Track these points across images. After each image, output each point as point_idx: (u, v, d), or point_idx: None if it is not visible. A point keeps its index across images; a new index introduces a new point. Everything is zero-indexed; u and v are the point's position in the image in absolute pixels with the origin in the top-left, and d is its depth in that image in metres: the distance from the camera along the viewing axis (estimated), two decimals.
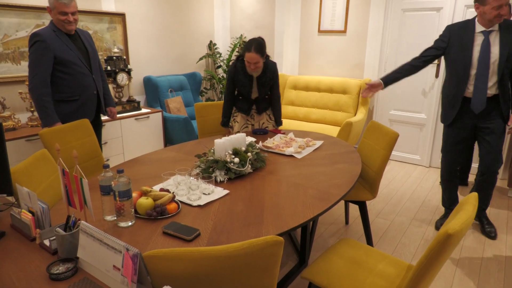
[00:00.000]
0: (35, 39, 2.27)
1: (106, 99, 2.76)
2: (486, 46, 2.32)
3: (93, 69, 2.54)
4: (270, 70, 2.63)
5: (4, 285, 1.02)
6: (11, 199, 1.65)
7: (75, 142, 2.27)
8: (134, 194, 1.49)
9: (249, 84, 2.64)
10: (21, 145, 2.82)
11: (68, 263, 1.10)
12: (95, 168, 2.37)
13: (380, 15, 4.02)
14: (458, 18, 3.62)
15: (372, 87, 2.54)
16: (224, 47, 5.14)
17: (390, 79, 2.56)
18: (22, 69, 3.16)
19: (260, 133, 2.75)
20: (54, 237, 1.18)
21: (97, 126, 2.73)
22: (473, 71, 2.38)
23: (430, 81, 3.89)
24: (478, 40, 2.37)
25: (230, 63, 4.85)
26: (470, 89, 2.42)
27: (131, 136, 3.64)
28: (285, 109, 4.57)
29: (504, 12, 2.21)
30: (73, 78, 2.42)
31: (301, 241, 2.25)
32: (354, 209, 3.09)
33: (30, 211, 1.29)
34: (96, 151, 2.40)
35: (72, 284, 1.02)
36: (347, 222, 2.84)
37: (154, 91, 4.10)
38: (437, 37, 3.73)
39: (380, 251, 1.67)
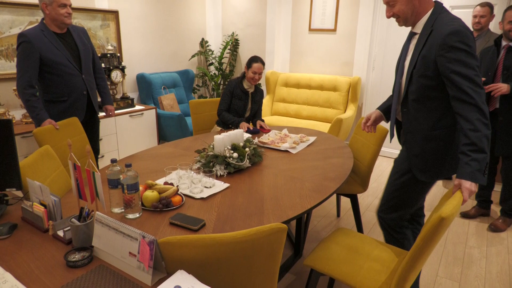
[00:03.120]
0: (21, 40, 2.25)
1: (103, 97, 2.75)
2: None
3: (84, 69, 2.50)
4: (259, 91, 3.07)
5: (25, 273, 1.08)
6: (17, 193, 1.69)
7: (67, 140, 2.30)
8: (139, 187, 1.55)
9: (246, 98, 2.93)
10: (16, 142, 2.83)
11: (84, 251, 1.16)
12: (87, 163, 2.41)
13: (369, 15, 4.14)
14: None
15: (374, 123, 1.93)
16: (216, 45, 5.19)
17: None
18: (15, 66, 3.16)
19: (252, 133, 2.81)
20: (68, 228, 1.24)
21: (93, 124, 2.73)
22: None
23: None
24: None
25: (222, 60, 4.93)
26: None
27: (126, 133, 3.68)
28: (276, 106, 4.66)
29: None
30: (61, 79, 2.39)
31: (296, 233, 2.35)
32: (344, 203, 3.20)
33: (42, 204, 1.34)
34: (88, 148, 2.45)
35: (90, 271, 1.09)
36: (338, 215, 2.95)
37: (147, 88, 4.14)
38: None
39: (374, 238, 1.78)
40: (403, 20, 1.61)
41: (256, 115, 3.10)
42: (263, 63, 2.87)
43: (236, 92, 2.91)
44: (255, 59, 2.85)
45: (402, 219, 1.79)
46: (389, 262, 1.59)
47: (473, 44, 1.43)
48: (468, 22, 3.53)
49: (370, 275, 1.51)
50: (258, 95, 3.03)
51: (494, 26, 3.49)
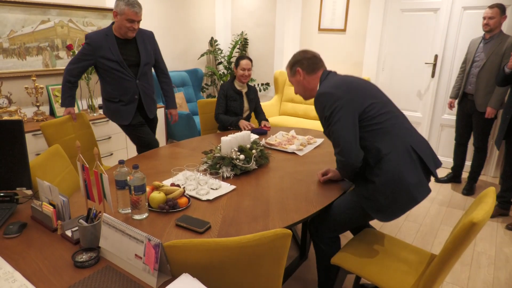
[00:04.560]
0: (85, 41, 2.40)
1: (167, 101, 2.81)
2: None
3: (140, 75, 2.54)
4: (253, 89, 3.07)
5: (33, 272, 1.10)
6: (28, 192, 1.72)
7: (74, 134, 2.40)
8: (146, 189, 1.57)
9: (240, 99, 2.94)
10: (28, 140, 2.88)
11: (91, 252, 1.18)
12: (92, 158, 2.51)
13: (379, 15, 4.10)
14: (455, 19, 3.71)
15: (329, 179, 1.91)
16: (225, 44, 5.20)
17: None
18: (27, 64, 3.21)
19: (259, 133, 2.79)
20: (76, 228, 1.26)
21: (150, 128, 2.79)
22: None
23: (426, 81, 3.99)
24: None
25: (231, 60, 4.93)
26: None
27: None
28: (285, 106, 4.65)
29: None
30: (114, 81, 2.48)
31: (302, 236, 2.35)
32: None
33: (50, 204, 1.37)
34: (93, 143, 2.55)
35: (96, 271, 1.11)
36: None
37: (156, 87, 4.16)
38: (434, 38, 3.84)
39: (401, 240, 1.79)
40: (302, 96, 1.86)
41: (258, 114, 3.11)
42: (251, 60, 2.92)
43: (230, 94, 2.92)
44: (241, 57, 2.90)
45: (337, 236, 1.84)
46: (416, 264, 1.60)
47: (336, 101, 1.58)
48: (480, 23, 3.47)
49: (398, 276, 1.53)
50: (252, 93, 3.03)
51: (508, 27, 3.43)
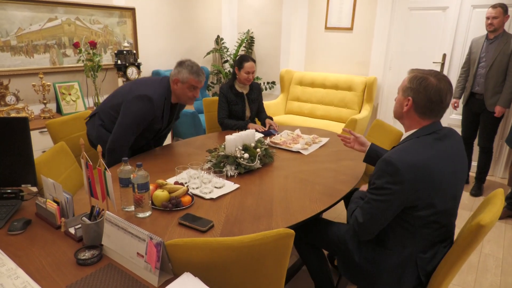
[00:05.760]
0: (148, 105, 2.02)
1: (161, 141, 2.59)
2: None
3: (155, 137, 2.38)
4: (255, 87, 2.93)
5: (36, 269, 1.11)
6: (33, 189, 1.73)
7: (78, 132, 2.40)
8: (150, 187, 1.56)
9: (242, 102, 2.84)
10: (34, 137, 2.90)
11: (93, 249, 1.18)
12: (95, 156, 2.47)
13: (386, 13, 4.06)
14: (464, 18, 3.65)
15: (358, 143, 1.97)
16: (231, 42, 5.19)
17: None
18: (35, 62, 3.24)
19: (265, 134, 2.75)
20: (79, 226, 1.26)
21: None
22: None
23: None
24: None
25: (237, 58, 4.92)
26: None
27: None
28: (291, 104, 4.63)
29: None
30: (135, 141, 2.18)
31: None
32: None
33: (54, 201, 1.37)
34: None
35: (98, 269, 1.11)
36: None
37: None
38: (442, 36, 3.80)
39: None
40: (394, 113, 1.53)
41: (259, 112, 3.00)
42: (254, 61, 2.75)
43: (230, 98, 2.79)
44: (245, 58, 2.71)
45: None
46: None
47: (394, 183, 1.27)
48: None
49: None
50: (254, 93, 2.88)
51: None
